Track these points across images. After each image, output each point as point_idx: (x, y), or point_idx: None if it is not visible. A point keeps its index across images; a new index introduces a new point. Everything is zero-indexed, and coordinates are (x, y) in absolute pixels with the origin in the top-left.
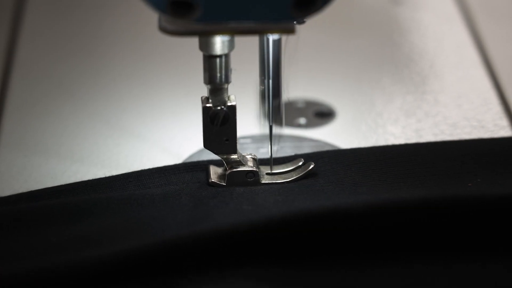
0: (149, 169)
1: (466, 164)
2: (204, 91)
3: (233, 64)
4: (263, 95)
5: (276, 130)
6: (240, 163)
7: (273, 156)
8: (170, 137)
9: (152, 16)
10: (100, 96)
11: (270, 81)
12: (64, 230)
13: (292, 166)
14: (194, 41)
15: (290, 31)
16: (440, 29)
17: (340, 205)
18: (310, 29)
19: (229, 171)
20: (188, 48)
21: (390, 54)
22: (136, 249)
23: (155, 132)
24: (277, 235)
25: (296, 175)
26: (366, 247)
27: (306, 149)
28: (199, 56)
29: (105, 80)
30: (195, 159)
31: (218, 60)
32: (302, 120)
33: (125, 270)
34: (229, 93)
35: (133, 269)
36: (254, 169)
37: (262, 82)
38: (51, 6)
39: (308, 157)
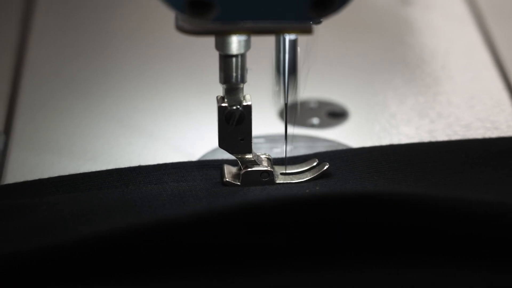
0: (163, 164)
1: (479, 164)
2: (217, 90)
3: (248, 64)
4: (278, 95)
5: (289, 130)
6: (254, 162)
7: (287, 156)
8: (183, 136)
9: (164, 14)
10: (112, 94)
11: (286, 81)
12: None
13: (306, 166)
14: (208, 40)
15: (307, 31)
16: (450, 30)
17: (352, 193)
18: (322, 30)
19: (243, 171)
20: (202, 46)
21: (401, 54)
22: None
23: (168, 131)
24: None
25: (310, 175)
26: (366, 247)
27: (320, 149)
28: (213, 55)
29: (117, 79)
30: (208, 158)
31: (234, 59)
32: (315, 120)
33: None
34: (244, 93)
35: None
36: (269, 169)
37: (277, 82)
38: (60, 5)
39: (322, 157)
